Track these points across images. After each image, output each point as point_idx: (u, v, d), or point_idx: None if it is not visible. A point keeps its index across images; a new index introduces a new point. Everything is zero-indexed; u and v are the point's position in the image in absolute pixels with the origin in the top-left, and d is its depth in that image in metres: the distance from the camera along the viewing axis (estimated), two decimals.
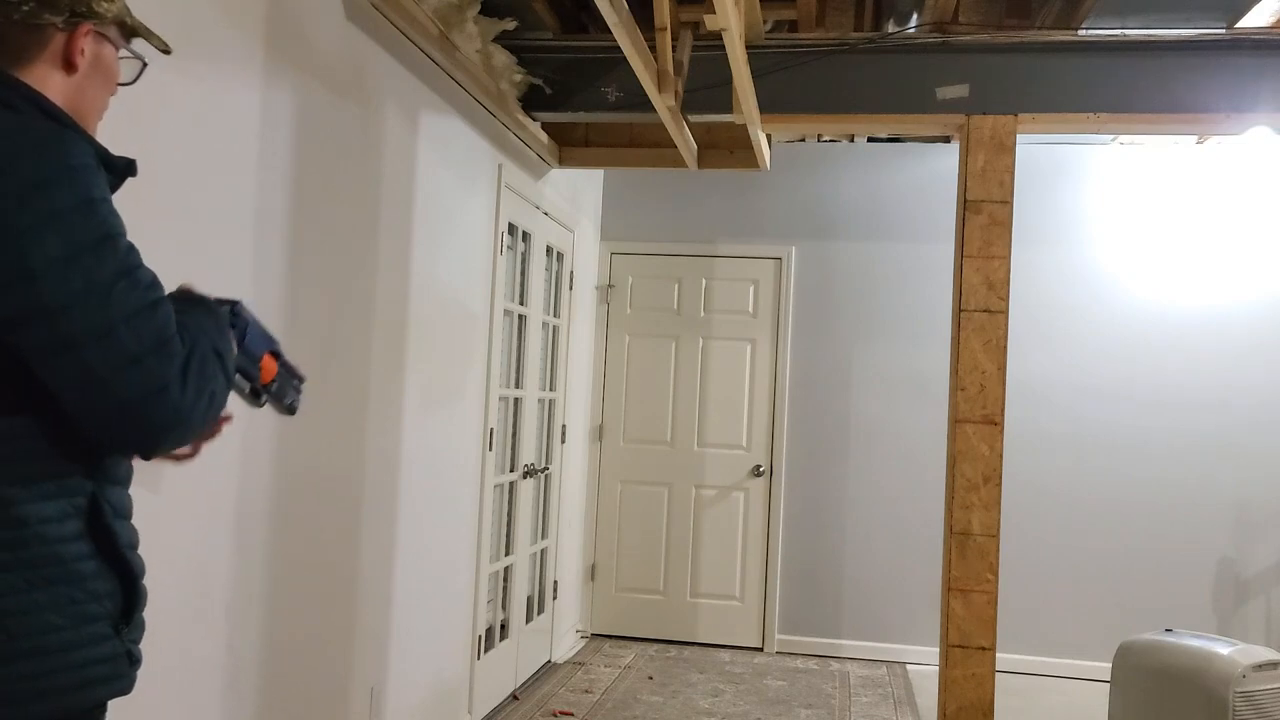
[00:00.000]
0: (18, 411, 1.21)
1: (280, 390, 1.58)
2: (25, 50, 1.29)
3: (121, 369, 1.19)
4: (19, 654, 1.20)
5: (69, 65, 1.32)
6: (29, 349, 1.18)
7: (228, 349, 1.36)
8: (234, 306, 1.48)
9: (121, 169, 1.34)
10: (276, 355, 1.56)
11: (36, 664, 1.21)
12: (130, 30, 1.40)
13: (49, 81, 1.30)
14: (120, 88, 1.43)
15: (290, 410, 1.64)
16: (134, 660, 1.33)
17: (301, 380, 1.65)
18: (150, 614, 2.11)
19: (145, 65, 1.44)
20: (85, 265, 1.18)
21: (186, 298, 1.38)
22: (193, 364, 1.26)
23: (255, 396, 1.54)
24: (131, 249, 1.24)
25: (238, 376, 1.47)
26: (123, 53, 1.41)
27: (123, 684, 1.31)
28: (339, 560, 2.93)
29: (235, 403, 1.50)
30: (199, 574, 2.29)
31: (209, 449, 1.49)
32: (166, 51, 1.46)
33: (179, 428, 1.25)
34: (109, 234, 1.21)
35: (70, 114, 1.31)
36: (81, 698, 1.26)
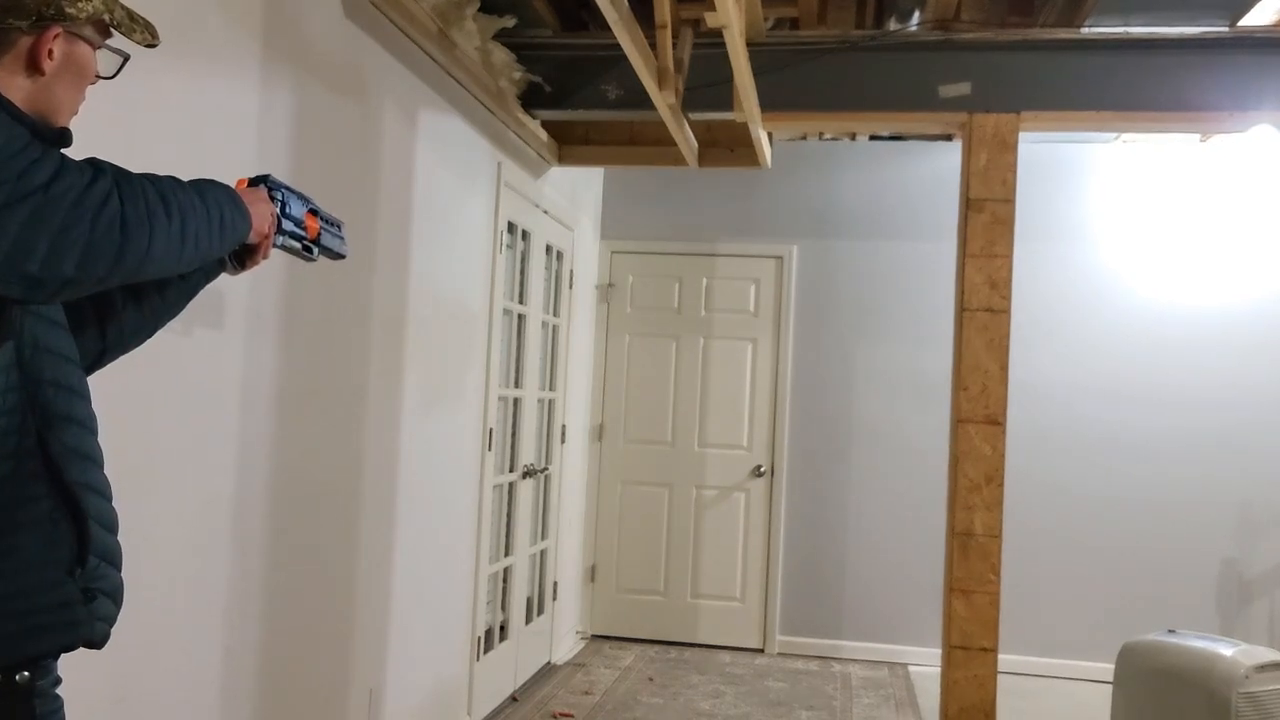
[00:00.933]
0: None
1: (328, 241, 1.77)
2: None
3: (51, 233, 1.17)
4: None
5: (34, 68, 1.29)
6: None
7: (193, 198, 1.35)
8: (266, 179, 1.62)
9: (53, 139, 1.31)
10: (315, 212, 1.73)
11: None
12: (109, 27, 1.37)
13: (12, 83, 1.28)
14: (102, 80, 1.42)
15: (340, 255, 1.82)
16: (92, 609, 1.30)
17: (340, 225, 1.82)
18: (149, 615, 2.10)
19: (126, 59, 1.42)
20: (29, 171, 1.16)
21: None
22: (88, 197, 1.21)
23: (308, 251, 1.73)
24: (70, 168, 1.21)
25: (288, 238, 1.66)
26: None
27: (82, 631, 1.29)
28: (337, 561, 2.91)
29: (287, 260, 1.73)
30: (197, 575, 2.28)
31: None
32: (152, 46, 1.44)
33: (131, 251, 1.23)
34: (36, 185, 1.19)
35: (35, 114, 1.29)
36: (37, 645, 1.24)
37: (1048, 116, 3.77)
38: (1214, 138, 5.21)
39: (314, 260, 1.77)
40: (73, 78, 1.34)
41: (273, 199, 1.60)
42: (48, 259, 1.16)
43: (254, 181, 1.61)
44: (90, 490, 1.32)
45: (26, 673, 1.25)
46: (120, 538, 1.40)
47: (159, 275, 1.34)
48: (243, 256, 1.61)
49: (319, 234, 1.74)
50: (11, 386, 1.24)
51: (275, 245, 1.65)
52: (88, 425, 1.36)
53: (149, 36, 1.42)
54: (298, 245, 1.70)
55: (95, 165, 1.24)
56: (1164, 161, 5.35)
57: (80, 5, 1.31)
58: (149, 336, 1.62)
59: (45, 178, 1.17)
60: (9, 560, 1.22)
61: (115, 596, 1.35)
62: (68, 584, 1.27)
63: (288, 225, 1.65)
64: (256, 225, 1.53)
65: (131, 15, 1.40)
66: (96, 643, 1.32)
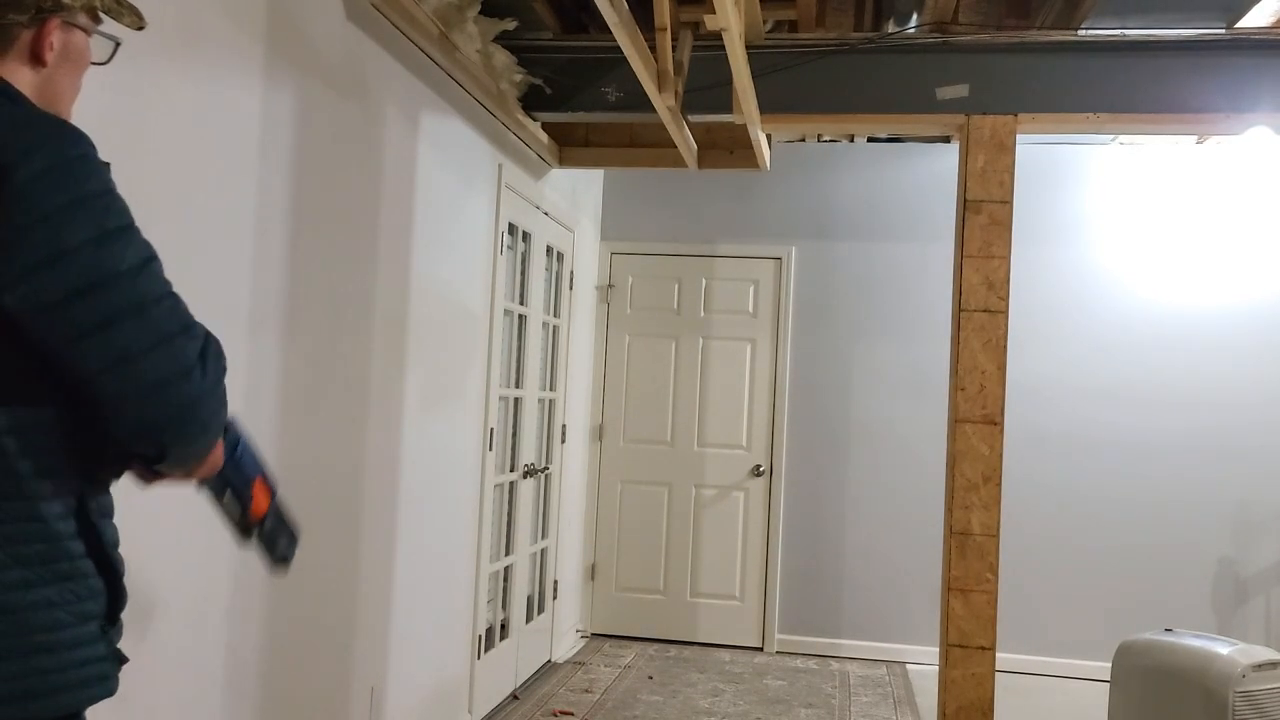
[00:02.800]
0: (29, 404, 1.22)
1: (273, 532, 1.49)
2: None
3: (153, 347, 1.21)
4: (22, 650, 1.20)
5: (37, 60, 1.32)
6: (58, 334, 1.18)
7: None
8: (229, 422, 1.40)
9: None
10: (270, 490, 1.48)
11: (42, 661, 1.21)
12: (96, 15, 1.40)
13: (18, 77, 1.30)
14: (95, 66, 1.44)
15: (282, 561, 1.52)
16: (120, 661, 1.33)
17: (296, 534, 1.54)
18: (150, 614, 2.12)
19: (119, 44, 1.45)
20: (115, 247, 1.20)
21: None
22: (210, 350, 1.29)
23: (245, 530, 1.46)
24: (149, 243, 1.27)
25: (229, 497, 1.42)
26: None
27: (110, 685, 1.31)
28: (339, 560, 2.93)
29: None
30: (199, 574, 2.29)
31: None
32: (140, 28, 1.46)
33: (197, 420, 1.26)
34: (130, 222, 1.25)
35: (41, 104, 1.32)
36: (77, 697, 1.26)
37: (1045, 118, 3.78)
38: (1211, 139, 5.23)
39: (246, 542, 1.48)
40: (71, 66, 1.37)
41: (226, 440, 1.40)
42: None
43: None
44: (116, 548, 1.34)
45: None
46: (123, 537, 1.42)
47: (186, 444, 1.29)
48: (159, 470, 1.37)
49: (265, 516, 1.47)
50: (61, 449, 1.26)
51: (206, 487, 1.43)
52: (108, 485, 1.38)
53: (136, 19, 1.45)
54: (236, 509, 1.44)
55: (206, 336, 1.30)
56: (1161, 163, 5.37)
57: None
58: None
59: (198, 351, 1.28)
60: (62, 612, 1.23)
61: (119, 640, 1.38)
62: (101, 641, 1.29)
63: (230, 473, 1.41)
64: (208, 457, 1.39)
65: (119, 0, 1.42)
66: (111, 695, 1.33)
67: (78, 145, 1.22)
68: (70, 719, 1.28)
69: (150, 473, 1.37)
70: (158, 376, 1.21)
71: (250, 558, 2.48)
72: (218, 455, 1.39)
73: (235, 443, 1.43)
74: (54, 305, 1.17)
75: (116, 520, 1.37)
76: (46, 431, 1.23)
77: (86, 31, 1.39)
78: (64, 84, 1.36)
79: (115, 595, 1.32)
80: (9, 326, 1.18)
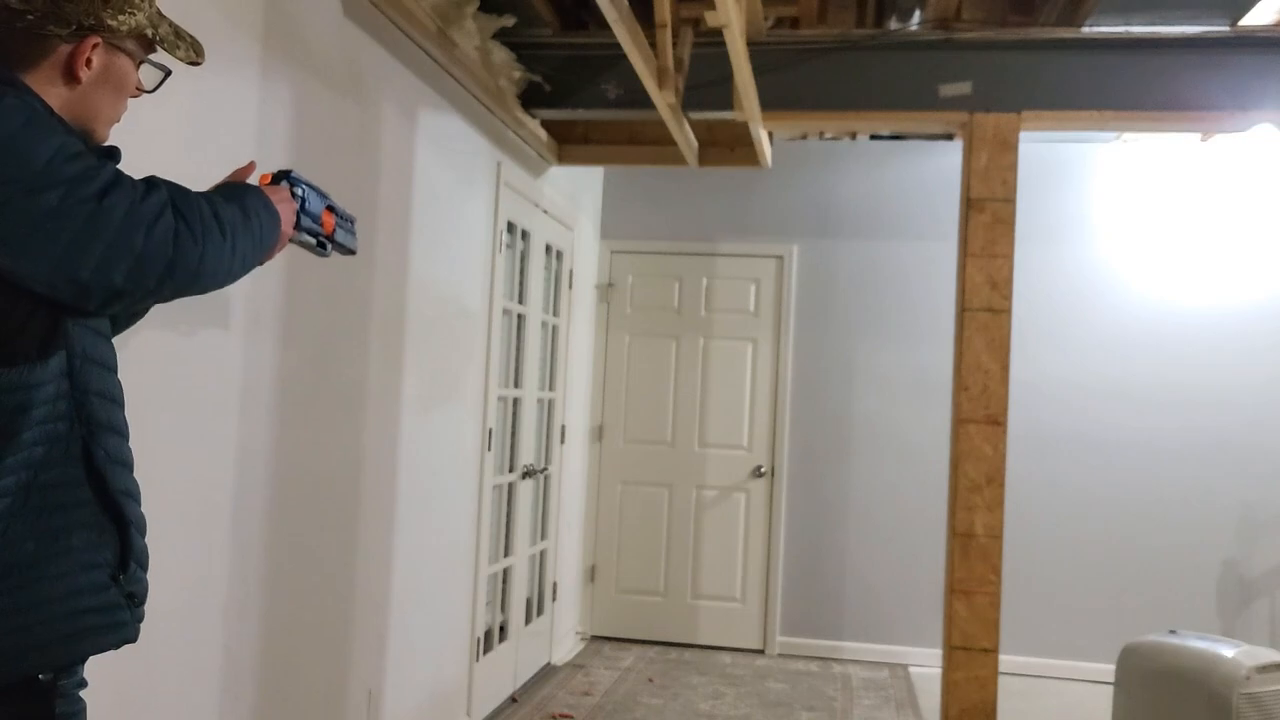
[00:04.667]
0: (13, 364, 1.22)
1: (342, 238, 1.78)
2: (26, 58, 1.28)
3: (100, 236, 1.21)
4: (20, 604, 1.21)
5: (71, 76, 1.31)
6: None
7: (238, 213, 1.38)
8: (288, 175, 1.61)
9: (101, 155, 1.33)
10: (331, 208, 1.73)
11: (41, 612, 1.22)
12: (151, 43, 1.38)
13: (49, 90, 1.29)
14: (144, 94, 1.44)
15: (351, 251, 1.83)
16: (134, 611, 1.34)
17: (353, 220, 1.83)
18: (148, 614, 2.09)
19: (168, 74, 1.44)
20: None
21: (218, 189, 1.45)
22: (148, 202, 1.25)
23: (322, 247, 1.72)
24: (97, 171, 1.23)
25: (305, 234, 1.64)
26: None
27: (126, 633, 1.33)
28: (337, 561, 2.91)
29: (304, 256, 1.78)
30: (196, 575, 2.27)
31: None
32: (195, 64, 1.45)
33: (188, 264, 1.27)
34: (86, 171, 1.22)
35: (73, 122, 1.31)
36: (82, 646, 1.28)
37: (1048, 116, 3.76)
38: (1215, 137, 5.20)
39: (327, 256, 1.76)
40: (111, 89, 1.36)
41: (293, 195, 1.60)
42: (99, 267, 1.20)
43: (276, 178, 1.61)
44: (129, 497, 1.35)
45: (51, 673, 1.27)
46: (145, 537, 1.42)
47: (204, 290, 1.35)
48: None
49: (334, 230, 1.74)
50: (62, 395, 1.27)
51: (292, 241, 1.63)
52: (124, 433, 1.39)
53: (193, 54, 1.44)
54: (313, 241, 1.69)
55: (150, 181, 1.27)
56: (1164, 161, 5.35)
57: (122, 19, 1.32)
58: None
59: (99, 187, 1.20)
60: (61, 562, 1.24)
61: (145, 598, 1.40)
62: (113, 588, 1.30)
63: (306, 222, 1.64)
64: (283, 227, 1.54)
65: (178, 32, 1.41)
66: (132, 641, 1.37)
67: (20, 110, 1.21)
68: (57, 676, 1.28)
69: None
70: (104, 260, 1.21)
71: (249, 557, 2.46)
72: (287, 219, 1.54)
73: (303, 199, 1.62)
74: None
75: None
76: (43, 384, 1.24)
77: (134, 58, 1.37)
78: (100, 105, 1.35)
79: (125, 544, 1.33)
80: None
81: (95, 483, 1.29)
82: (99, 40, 1.31)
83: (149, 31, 1.36)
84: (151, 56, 1.41)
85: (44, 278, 1.19)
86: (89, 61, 1.31)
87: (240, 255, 1.37)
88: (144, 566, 1.38)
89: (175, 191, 1.28)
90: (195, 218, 1.28)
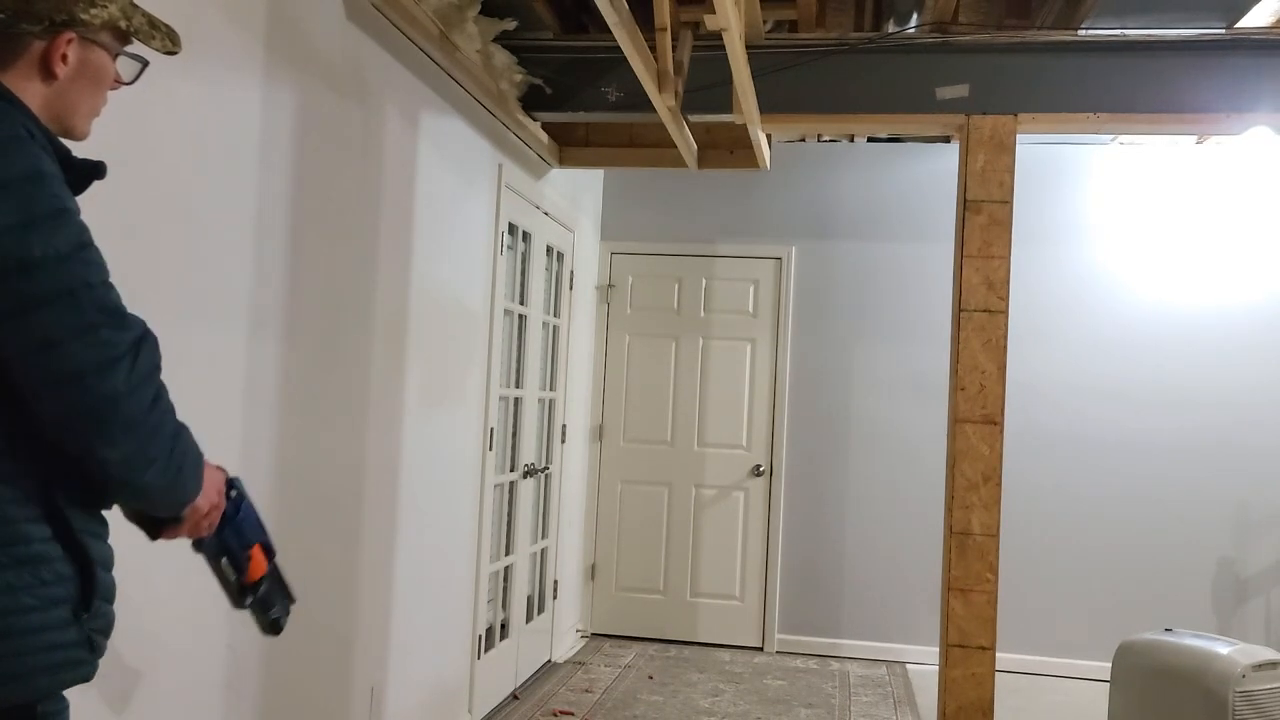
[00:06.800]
0: None
1: (267, 597, 1.50)
2: (2, 59, 1.28)
3: (78, 334, 1.18)
4: None
5: (48, 73, 1.30)
6: None
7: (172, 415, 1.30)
8: (231, 479, 1.45)
9: (84, 170, 1.33)
10: (269, 554, 1.50)
11: (6, 645, 1.21)
12: (125, 35, 1.38)
13: (27, 88, 1.29)
14: (124, 86, 1.43)
15: (275, 628, 1.54)
16: (94, 649, 1.32)
17: (291, 600, 1.55)
18: (152, 612, 2.12)
19: (146, 65, 1.43)
20: (42, 233, 1.18)
21: None
22: (145, 345, 1.25)
23: (240, 594, 1.47)
24: (85, 228, 1.24)
25: (225, 562, 1.43)
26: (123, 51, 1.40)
27: (84, 671, 1.30)
28: (339, 559, 2.93)
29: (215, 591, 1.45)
30: (199, 573, 2.29)
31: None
32: (172, 53, 1.44)
33: (120, 417, 1.21)
34: (63, 208, 1.22)
35: (52, 118, 1.31)
36: (41, 683, 1.25)
37: (1045, 118, 3.78)
38: (1210, 139, 5.23)
39: (242, 608, 1.50)
40: (88, 83, 1.35)
41: (228, 496, 1.43)
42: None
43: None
44: (91, 536, 1.33)
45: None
46: (126, 536, 1.42)
47: (108, 462, 1.24)
48: (162, 522, 1.40)
49: (261, 580, 1.49)
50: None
51: (202, 550, 1.46)
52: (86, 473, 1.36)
53: (169, 44, 1.43)
54: (232, 576, 1.45)
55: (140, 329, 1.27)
56: (1161, 163, 5.37)
57: (94, 12, 1.31)
58: None
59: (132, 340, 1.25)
60: (25, 596, 1.23)
61: (109, 631, 1.37)
62: (73, 626, 1.28)
63: (228, 537, 1.43)
64: (198, 502, 1.39)
65: (153, 22, 1.40)
66: (87, 680, 1.33)
67: (6, 127, 1.21)
68: (39, 704, 1.27)
69: (145, 521, 1.39)
70: (76, 366, 1.18)
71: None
72: (206, 512, 1.40)
73: (236, 506, 1.43)
74: None
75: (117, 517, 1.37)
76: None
77: (109, 50, 1.37)
78: (78, 100, 1.34)
79: (88, 581, 1.30)
80: None
81: (55, 522, 1.27)
82: (73, 35, 1.31)
83: (122, 23, 1.35)
84: (127, 48, 1.40)
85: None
86: (64, 57, 1.30)
87: (160, 454, 1.27)
88: (109, 600, 1.36)
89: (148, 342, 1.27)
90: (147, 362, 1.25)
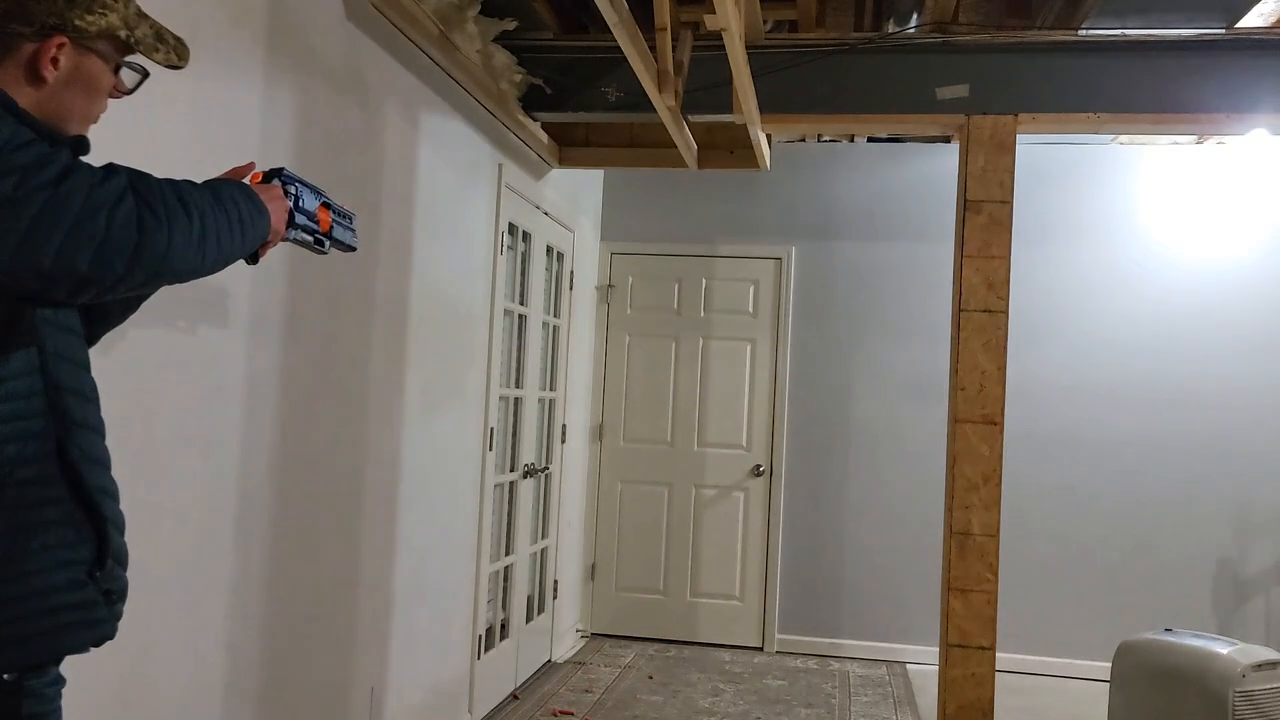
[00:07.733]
0: None
1: (339, 234, 1.78)
2: None
3: (80, 241, 1.18)
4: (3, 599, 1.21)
5: (35, 76, 1.28)
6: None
7: (208, 198, 1.34)
8: (280, 173, 1.62)
9: (68, 145, 1.31)
10: (327, 205, 1.73)
11: (15, 609, 1.22)
12: (127, 45, 1.35)
13: (16, 89, 1.27)
14: (125, 95, 1.41)
15: (350, 247, 1.83)
16: (113, 606, 1.33)
17: (352, 217, 1.82)
18: (153, 611, 2.12)
19: (145, 76, 1.42)
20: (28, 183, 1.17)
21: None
22: (143, 185, 1.24)
23: (320, 245, 1.73)
24: (46, 157, 1.20)
25: (300, 231, 1.65)
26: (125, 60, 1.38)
27: (102, 630, 1.32)
28: (339, 559, 2.93)
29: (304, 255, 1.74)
30: (200, 573, 2.30)
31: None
32: (175, 67, 1.42)
33: (178, 251, 1.26)
34: (29, 163, 1.19)
35: (44, 120, 1.28)
36: (56, 644, 1.26)
37: (1045, 118, 3.79)
38: (1210, 140, 5.23)
39: (325, 253, 1.76)
40: (82, 90, 1.33)
41: (286, 194, 1.60)
42: (61, 254, 1.16)
43: (268, 176, 1.61)
44: (105, 494, 1.34)
45: (15, 672, 1.26)
46: (125, 536, 1.42)
47: (181, 277, 1.31)
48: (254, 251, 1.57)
49: (331, 227, 1.73)
50: (35, 391, 1.26)
51: (287, 239, 1.62)
52: (99, 430, 1.38)
53: (174, 58, 1.40)
54: (309, 239, 1.69)
55: (109, 167, 1.24)
56: (1160, 163, 5.37)
57: (91, 19, 1.29)
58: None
59: (54, 174, 1.17)
60: (36, 559, 1.24)
61: (124, 596, 1.38)
62: (89, 585, 1.29)
63: (301, 219, 1.64)
64: (274, 223, 1.51)
65: (160, 34, 1.38)
66: (110, 639, 1.35)
67: None
68: (53, 665, 1.29)
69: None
70: (98, 254, 1.19)
71: (252, 555, 2.48)
72: (279, 216, 1.54)
73: (297, 196, 1.63)
74: None
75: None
76: (6, 380, 1.23)
77: (107, 59, 1.34)
78: (71, 106, 1.32)
79: (103, 541, 1.31)
80: None
81: (71, 480, 1.28)
82: (65, 40, 1.28)
83: (123, 33, 1.33)
84: (129, 59, 1.38)
85: (5, 267, 1.15)
86: (55, 61, 1.28)
87: (214, 240, 1.32)
88: (122, 564, 1.37)
89: (135, 176, 1.25)
90: (157, 200, 1.24)
